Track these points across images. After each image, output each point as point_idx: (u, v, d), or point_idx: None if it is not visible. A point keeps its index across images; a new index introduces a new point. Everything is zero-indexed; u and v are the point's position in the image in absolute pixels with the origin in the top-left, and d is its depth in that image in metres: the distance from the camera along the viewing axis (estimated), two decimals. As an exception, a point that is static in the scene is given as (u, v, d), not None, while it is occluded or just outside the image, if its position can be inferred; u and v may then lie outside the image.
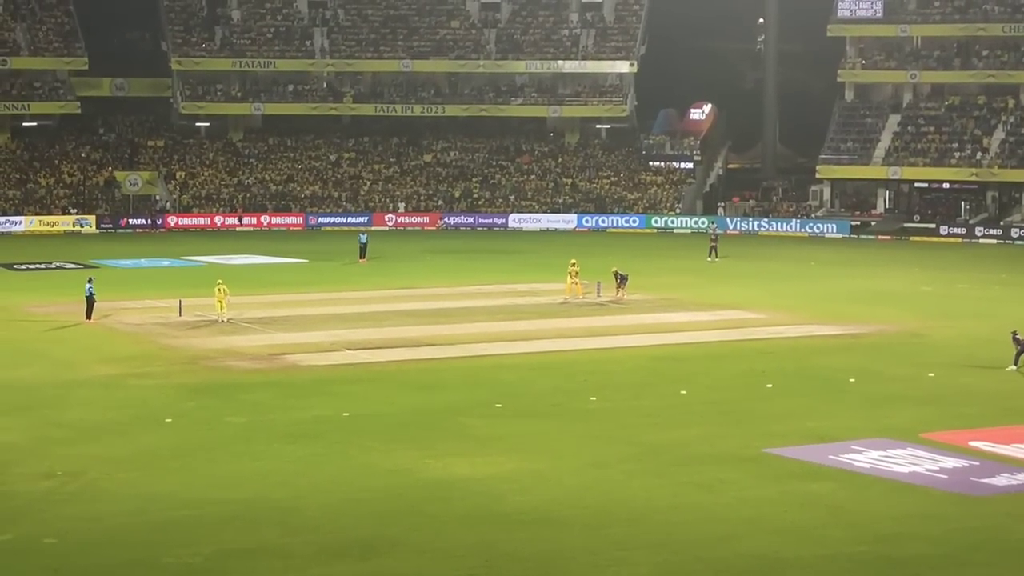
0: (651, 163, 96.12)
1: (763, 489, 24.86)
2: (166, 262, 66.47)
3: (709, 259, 68.36)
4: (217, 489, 24.58)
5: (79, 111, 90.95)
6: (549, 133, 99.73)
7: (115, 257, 67.25)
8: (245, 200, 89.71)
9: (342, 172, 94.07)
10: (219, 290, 45.27)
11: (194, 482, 25.05)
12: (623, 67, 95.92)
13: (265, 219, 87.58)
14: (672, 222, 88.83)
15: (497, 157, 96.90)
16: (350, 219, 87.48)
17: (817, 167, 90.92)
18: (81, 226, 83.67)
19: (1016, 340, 37.40)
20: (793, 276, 62.38)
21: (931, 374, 36.72)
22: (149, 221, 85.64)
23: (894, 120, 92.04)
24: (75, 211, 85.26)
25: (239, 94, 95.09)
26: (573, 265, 52.37)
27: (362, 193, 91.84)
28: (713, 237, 71.19)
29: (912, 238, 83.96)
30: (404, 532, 22.05)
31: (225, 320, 44.86)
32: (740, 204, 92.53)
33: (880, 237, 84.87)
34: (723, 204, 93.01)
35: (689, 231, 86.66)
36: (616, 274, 52.23)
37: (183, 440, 28.36)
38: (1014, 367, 37.11)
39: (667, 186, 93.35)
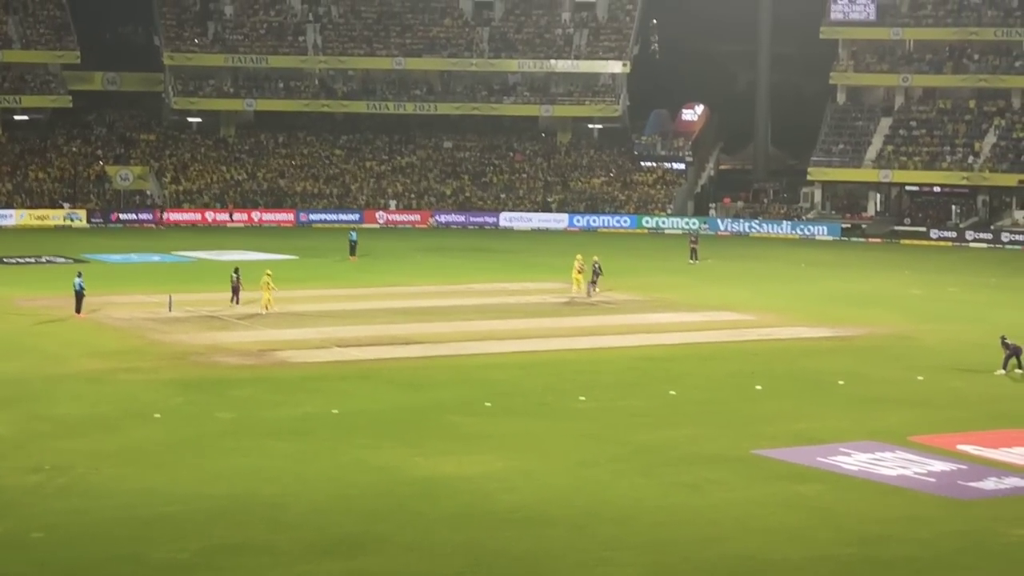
0: (643, 163, 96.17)
1: (751, 490, 24.88)
2: (156, 257, 66.36)
3: (691, 261, 68.16)
4: (205, 485, 24.55)
5: (71, 105, 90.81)
6: (541, 132, 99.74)
7: (105, 252, 67.14)
8: (236, 196, 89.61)
9: (333, 169, 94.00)
10: (266, 283, 45.96)
11: (182, 478, 25.01)
12: (616, 67, 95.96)
13: (256, 215, 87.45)
14: (663, 222, 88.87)
15: (489, 156, 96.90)
16: (341, 216, 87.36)
17: (808, 169, 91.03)
18: (71, 220, 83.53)
19: (1005, 344, 37.46)
20: (783, 278, 62.42)
21: (920, 377, 36.77)
22: (142, 216, 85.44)
23: (886, 123, 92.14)
24: (66, 205, 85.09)
25: (231, 90, 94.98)
26: (579, 259, 52.54)
27: (353, 190, 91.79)
28: (693, 239, 70.78)
29: (903, 241, 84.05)
30: (392, 530, 22.04)
31: (265, 312, 45.59)
32: (731, 205, 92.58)
33: (871, 240, 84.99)
34: (714, 205, 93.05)
35: (680, 232, 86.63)
36: (595, 264, 52.50)
37: (171, 435, 28.32)
38: (1003, 371, 37.16)
39: (658, 186, 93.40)
